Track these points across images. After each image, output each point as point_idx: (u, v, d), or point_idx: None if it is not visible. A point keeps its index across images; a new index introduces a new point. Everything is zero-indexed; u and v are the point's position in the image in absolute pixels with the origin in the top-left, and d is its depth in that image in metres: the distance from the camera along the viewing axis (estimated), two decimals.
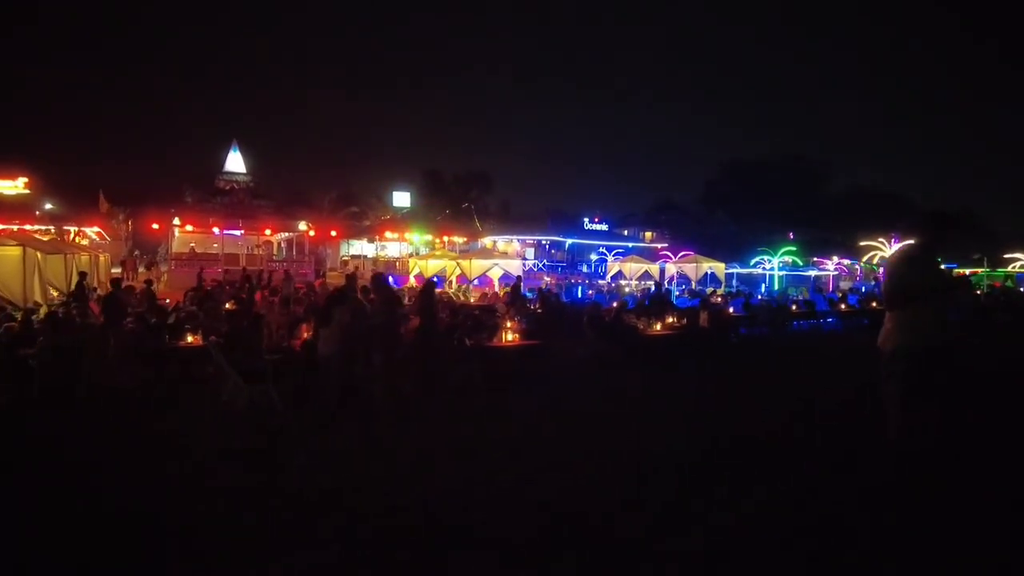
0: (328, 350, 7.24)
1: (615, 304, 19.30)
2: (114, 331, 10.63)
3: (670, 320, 13.27)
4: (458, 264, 25.97)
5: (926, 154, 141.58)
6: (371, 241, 48.16)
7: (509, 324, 11.85)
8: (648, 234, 65.43)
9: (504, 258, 31.57)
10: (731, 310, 16.09)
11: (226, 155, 45.49)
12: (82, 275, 16.45)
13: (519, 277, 19.91)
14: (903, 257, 4.77)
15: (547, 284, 32.59)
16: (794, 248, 41.86)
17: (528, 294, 19.91)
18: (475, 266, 24.92)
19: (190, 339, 9.62)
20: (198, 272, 24.16)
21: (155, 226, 36.09)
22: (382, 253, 47.83)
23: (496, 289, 25.17)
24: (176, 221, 38.00)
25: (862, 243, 41.96)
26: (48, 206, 46.42)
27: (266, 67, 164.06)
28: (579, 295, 22.42)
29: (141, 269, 38.54)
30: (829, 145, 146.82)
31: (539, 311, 16.26)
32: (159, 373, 9.33)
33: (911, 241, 4.84)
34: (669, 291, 23.01)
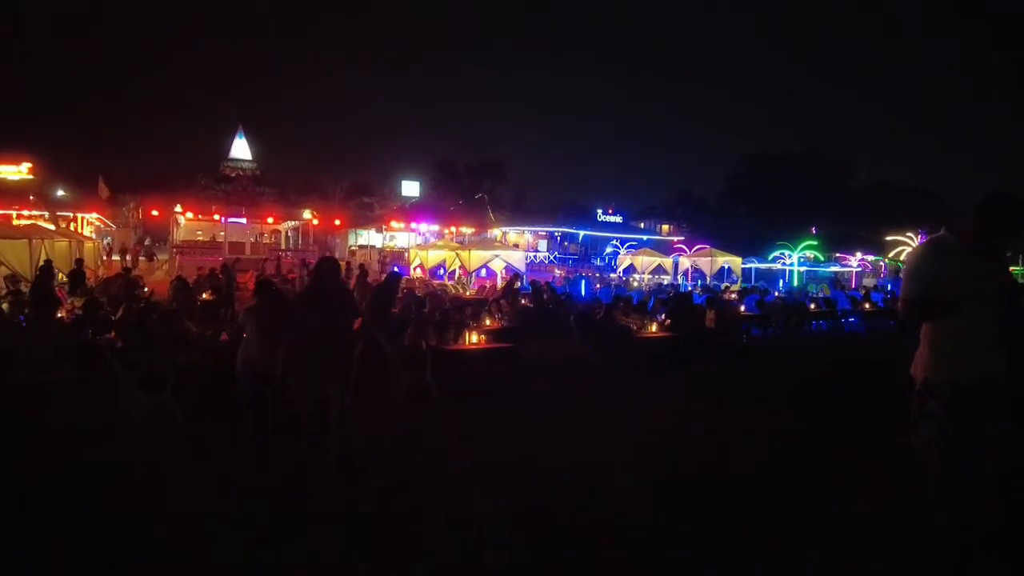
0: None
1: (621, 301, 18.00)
2: (42, 324, 9.62)
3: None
4: (457, 255, 24.71)
5: (960, 149, 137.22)
6: (380, 231, 47.16)
7: (488, 322, 10.64)
8: (665, 227, 63.79)
9: (515, 250, 30.32)
10: (742, 308, 14.69)
11: (232, 142, 44.67)
12: (47, 263, 15.56)
13: (516, 272, 18.60)
14: (929, 249, 3.29)
15: (555, 277, 31.28)
16: (815, 242, 39.99)
17: (529, 288, 18.63)
18: (475, 257, 23.63)
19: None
20: (230, 262, 23.23)
21: (155, 212, 35.27)
22: (391, 243, 46.79)
23: (499, 282, 24.00)
24: (178, 208, 37.24)
25: (888, 238, 39.89)
26: (60, 193, 46.07)
27: (278, 55, 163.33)
28: (582, 290, 21.03)
29: (142, 258, 37.99)
30: (856, 141, 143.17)
31: (530, 307, 15.03)
32: (84, 370, 8.27)
33: (945, 230, 3.31)
34: (690, 292, 21.03)
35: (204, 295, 16.75)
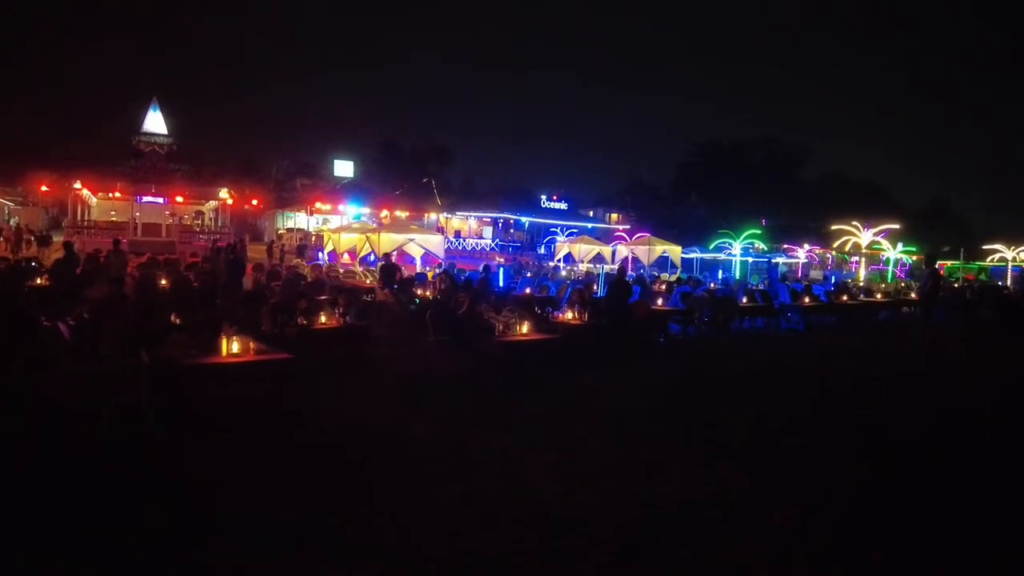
0: None
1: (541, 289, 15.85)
2: None
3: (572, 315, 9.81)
4: (367, 239, 22.15)
5: (900, 145, 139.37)
6: (310, 214, 44.14)
7: (324, 319, 8.34)
8: (614, 216, 62.06)
9: (433, 234, 27.86)
10: (660, 302, 12.66)
11: (145, 114, 40.81)
12: None
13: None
14: None
15: (483, 266, 28.95)
16: (759, 232, 38.44)
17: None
18: (385, 241, 21.08)
19: None
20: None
21: (44, 188, 31.71)
22: (323, 226, 43.82)
23: (418, 269, 21.81)
24: (77, 185, 33.63)
25: (834, 227, 38.31)
26: None
27: (208, 27, 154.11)
28: (500, 279, 18.79)
29: (33, 239, 34.31)
30: (806, 133, 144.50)
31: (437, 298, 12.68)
32: None
33: None
34: (632, 276, 18.57)
35: (39, 280, 14.22)
